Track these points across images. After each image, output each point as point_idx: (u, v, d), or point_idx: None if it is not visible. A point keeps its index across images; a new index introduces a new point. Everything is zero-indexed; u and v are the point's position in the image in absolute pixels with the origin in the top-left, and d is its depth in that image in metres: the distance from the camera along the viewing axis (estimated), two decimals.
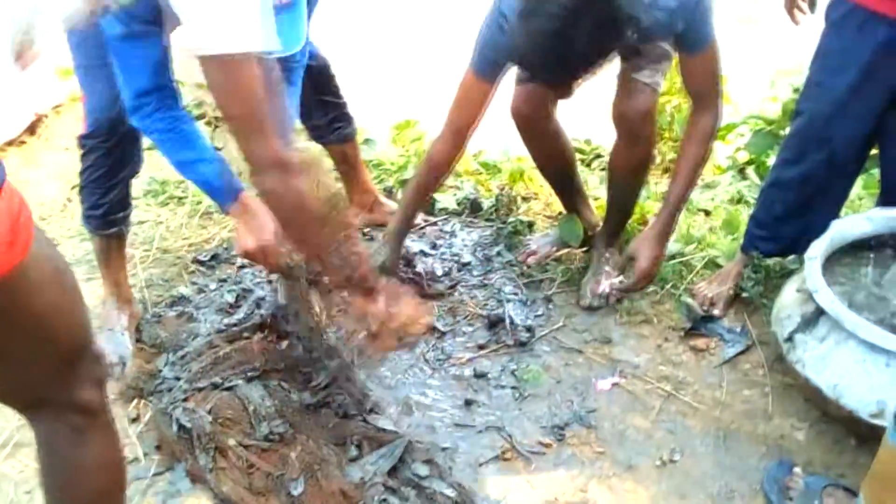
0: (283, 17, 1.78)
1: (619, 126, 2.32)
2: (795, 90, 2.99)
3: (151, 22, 1.79)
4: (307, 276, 2.14)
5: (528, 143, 2.58)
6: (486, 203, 3.00)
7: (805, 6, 2.30)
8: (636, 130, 2.29)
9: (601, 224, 2.74)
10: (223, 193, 1.96)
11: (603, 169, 3.40)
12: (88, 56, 2.06)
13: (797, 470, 1.86)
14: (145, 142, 2.26)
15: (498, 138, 3.43)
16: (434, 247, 2.75)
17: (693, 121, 2.23)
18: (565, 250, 2.68)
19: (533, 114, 2.45)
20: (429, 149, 2.35)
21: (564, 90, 1.97)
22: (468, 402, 2.14)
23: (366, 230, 2.81)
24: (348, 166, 2.81)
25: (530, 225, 2.84)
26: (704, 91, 2.18)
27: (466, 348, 2.34)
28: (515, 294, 2.54)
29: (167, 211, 2.99)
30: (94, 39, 1.98)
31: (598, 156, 3.49)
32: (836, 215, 2.31)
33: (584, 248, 2.70)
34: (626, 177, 2.43)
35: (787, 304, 2.07)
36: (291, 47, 1.96)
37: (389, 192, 3.05)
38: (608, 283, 2.48)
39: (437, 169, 2.33)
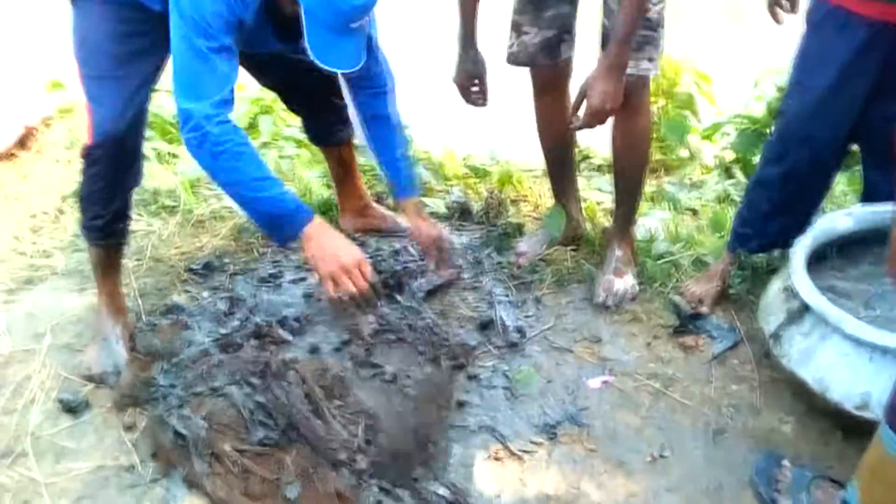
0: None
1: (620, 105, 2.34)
2: (780, 89, 3.04)
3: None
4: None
5: (538, 98, 2.59)
6: (476, 207, 3.03)
7: (787, 5, 2.34)
8: (633, 106, 2.29)
9: (584, 225, 2.77)
10: (297, 215, 2.02)
11: (592, 169, 3.45)
12: (99, 67, 2.08)
13: (785, 463, 1.88)
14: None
15: (486, 142, 3.47)
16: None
17: None
18: (555, 249, 2.71)
19: (546, 74, 2.50)
20: None
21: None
22: (460, 404, 2.16)
23: (356, 235, 2.82)
24: (343, 170, 2.83)
25: (520, 227, 2.87)
26: None
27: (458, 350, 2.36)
28: (506, 296, 2.57)
29: (159, 220, 3.00)
30: (106, 51, 2.00)
31: (587, 157, 3.52)
32: (818, 210, 2.35)
33: (573, 248, 2.73)
34: (630, 155, 2.45)
35: (773, 300, 2.10)
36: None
37: (379, 198, 3.07)
38: (623, 282, 2.50)
39: None
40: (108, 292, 2.39)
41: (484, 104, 2.52)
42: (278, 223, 2.06)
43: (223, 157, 1.95)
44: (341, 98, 2.61)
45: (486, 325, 2.43)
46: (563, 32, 2.42)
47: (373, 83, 2.36)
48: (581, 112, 2.21)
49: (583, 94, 2.18)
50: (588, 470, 1.96)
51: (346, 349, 2.27)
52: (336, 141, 2.74)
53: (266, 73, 2.60)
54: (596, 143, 3.47)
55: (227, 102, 1.95)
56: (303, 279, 2.57)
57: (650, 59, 2.27)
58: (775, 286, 2.13)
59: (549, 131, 2.64)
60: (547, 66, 2.48)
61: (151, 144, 3.23)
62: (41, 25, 3.97)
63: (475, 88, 2.48)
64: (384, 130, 2.40)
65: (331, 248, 2.03)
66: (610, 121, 2.31)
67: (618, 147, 2.46)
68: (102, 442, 2.08)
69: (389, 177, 2.45)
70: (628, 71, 2.22)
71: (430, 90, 4.09)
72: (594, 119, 2.20)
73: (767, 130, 3.07)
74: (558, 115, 2.58)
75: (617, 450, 2.01)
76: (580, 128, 2.26)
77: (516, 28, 2.44)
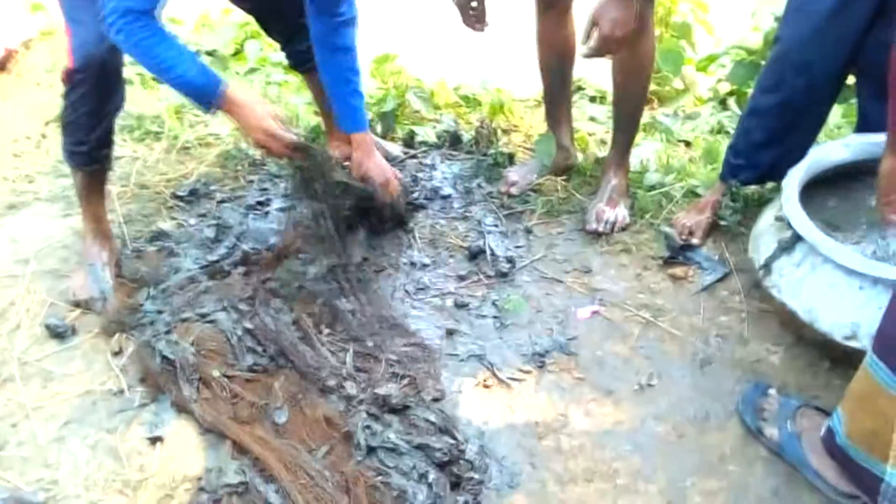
0: None
1: None
2: (777, 20, 2.97)
3: None
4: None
5: (542, 15, 2.54)
6: (466, 136, 2.98)
7: None
8: (638, 25, 2.17)
9: (576, 155, 2.73)
10: (208, 89, 1.99)
11: (585, 99, 3.40)
12: None
13: (772, 392, 1.90)
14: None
15: (478, 71, 3.41)
16: (414, 180, 2.74)
17: None
18: (546, 179, 2.68)
19: None
20: None
21: None
22: (450, 332, 2.16)
23: (345, 163, 2.78)
24: (327, 96, 2.77)
25: (510, 157, 2.83)
26: None
27: (447, 279, 2.35)
28: (496, 226, 2.55)
29: (143, 146, 2.95)
30: None
31: (580, 87, 3.47)
32: (813, 142, 2.32)
33: (564, 178, 2.70)
34: (632, 80, 2.41)
35: (765, 230, 2.08)
36: None
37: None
38: (615, 211, 2.49)
39: None
40: (92, 218, 2.36)
41: (481, 28, 2.45)
42: (195, 98, 2.02)
43: (136, 48, 1.92)
44: None
45: (475, 255, 2.41)
46: None
47: (337, 10, 2.30)
48: (592, 40, 2.11)
49: (593, 21, 2.10)
50: (576, 398, 1.97)
51: (333, 275, 2.26)
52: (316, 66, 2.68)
53: (263, 14, 2.55)
54: (591, 72, 3.41)
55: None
56: (293, 207, 2.53)
57: None
58: (767, 216, 2.12)
59: (550, 51, 2.58)
60: None
61: (136, 69, 3.15)
62: None
63: (474, 4, 2.40)
64: (342, 62, 2.35)
65: (246, 117, 2.03)
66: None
67: (619, 71, 2.40)
68: (90, 367, 2.07)
69: (339, 110, 2.41)
70: None
71: (422, 18, 4.02)
72: (605, 47, 2.11)
73: (763, 62, 3.01)
74: (560, 35, 2.53)
75: (605, 378, 2.02)
76: (590, 56, 2.17)
77: None
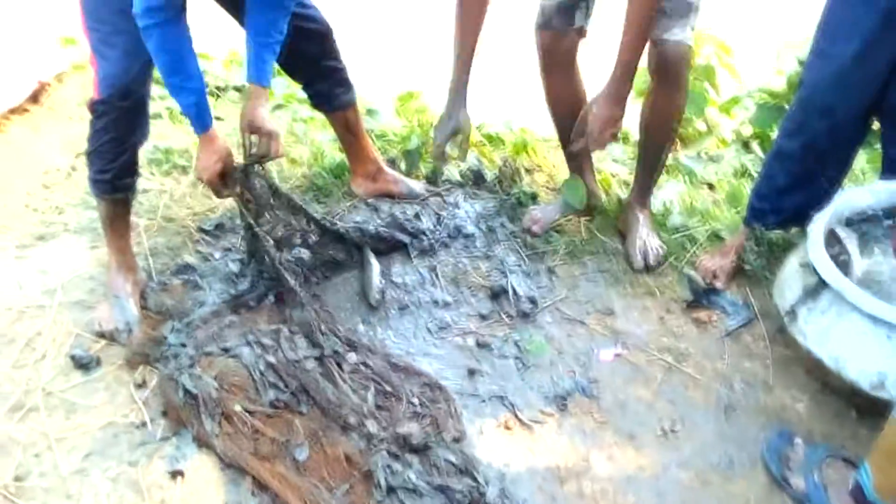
0: None
1: (657, 77, 2.34)
2: (801, 63, 2.98)
3: None
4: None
5: (547, 76, 2.57)
6: (490, 175, 3.00)
7: None
8: (673, 79, 2.32)
9: (599, 198, 2.74)
10: (195, 124, 2.17)
11: None
12: (104, 21, 2.06)
13: (798, 441, 1.88)
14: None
15: (501, 110, 3.43)
16: (438, 218, 2.75)
17: None
18: (568, 219, 2.69)
19: (554, 44, 2.47)
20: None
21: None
22: (471, 372, 2.16)
23: (369, 200, 2.80)
24: (350, 134, 2.80)
25: (533, 196, 2.84)
26: None
27: (469, 318, 2.35)
28: (518, 265, 2.55)
29: (171, 180, 2.98)
30: (110, 5, 1.98)
31: None
32: (837, 187, 2.31)
33: (587, 218, 2.70)
34: (660, 127, 2.45)
35: (790, 276, 2.08)
36: None
37: (392, 163, 3.04)
38: (655, 244, 2.51)
39: (469, 13, 2.38)
40: (117, 248, 2.39)
41: (463, 159, 2.63)
42: (189, 118, 2.18)
43: (160, 55, 2.04)
44: (339, 62, 2.58)
45: (498, 294, 2.42)
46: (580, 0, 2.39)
47: None
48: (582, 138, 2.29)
49: (585, 119, 2.24)
50: (598, 442, 1.96)
51: (356, 312, 2.27)
52: (339, 105, 2.70)
53: None
54: None
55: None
56: (316, 241, 2.55)
57: (692, 28, 2.27)
58: (792, 262, 2.11)
59: (563, 108, 2.62)
60: (561, 30, 2.43)
61: (165, 103, 3.21)
62: None
63: (449, 148, 2.49)
64: (269, 16, 2.26)
65: (204, 160, 2.21)
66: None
67: (648, 121, 2.44)
68: (113, 399, 2.08)
69: (249, 58, 2.31)
70: (676, 38, 2.21)
71: (445, 55, 4.06)
72: (595, 144, 2.29)
73: (787, 105, 3.02)
74: (567, 90, 2.57)
75: (627, 423, 2.01)
76: (580, 152, 2.36)
77: None
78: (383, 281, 2.45)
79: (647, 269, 2.48)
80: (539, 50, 2.51)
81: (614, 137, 2.29)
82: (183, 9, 2.03)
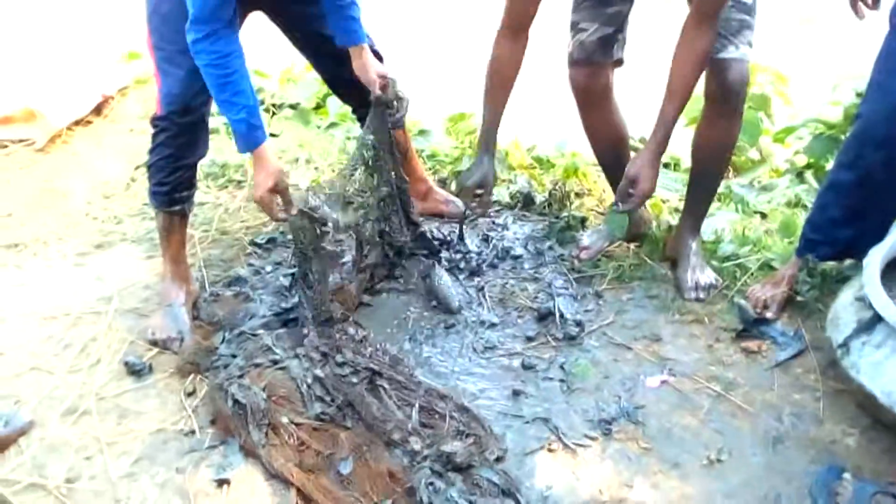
0: None
1: (714, 102, 2.34)
2: (858, 95, 2.95)
3: None
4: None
5: (585, 114, 2.58)
6: (539, 197, 3.02)
7: (869, 0, 2.28)
8: (732, 104, 2.32)
9: (648, 223, 2.73)
10: (244, 142, 2.15)
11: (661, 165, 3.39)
12: (169, 41, 2.13)
13: (847, 476, 1.84)
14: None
15: (552, 134, 3.45)
16: (486, 239, 2.77)
17: (689, 38, 2.12)
18: (617, 245, 2.68)
19: (592, 80, 2.48)
20: (492, 53, 2.36)
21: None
22: (516, 393, 2.16)
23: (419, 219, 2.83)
24: (400, 155, 2.83)
25: (583, 221, 2.84)
26: (710, 8, 2.09)
27: (515, 339, 2.36)
28: (566, 288, 2.55)
29: (226, 194, 3.06)
30: (176, 24, 2.05)
31: None
32: (893, 220, 2.28)
33: (637, 244, 2.69)
34: (715, 155, 2.44)
35: (844, 309, 2.04)
36: None
37: (443, 183, 3.07)
38: (706, 275, 2.50)
39: (501, 72, 2.35)
40: (172, 259, 2.45)
41: (483, 213, 2.67)
42: (238, 137, 2.16)
43: (210, 70, 2.06)
44: None
45: (544, 317, 2.42)
46: (618, 32, 2.41)
47: None
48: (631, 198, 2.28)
49: (630, 180, 2.24)
50: (642, 469, 1.94)
51: (402, 329, 2.29)
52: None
53: (313, 57, 2.63)
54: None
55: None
56: (365, 256, 2.58)
57: (749, 44, 2.27)
58: (846, 295, 2.08)
59: (604, 142, 2.65)
60: (601, 64, 2.46)
61: (223, 119, 3.28)
62: None
63: (479, 194, 2.45)
64: None
65: (257, 176, 2.18)
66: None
67: (702, 150, 2.43)
68: (164, 406, 2.13)
69: (336, 25, 2.38)
70: (734, 56, 2.23)
71: None
72: (641, 202, 2.31)
73: (843, 136, 2.99)
74: (606, 126, 2.60)
75: (672, 450, 1.99)
76: (626, 212, 2.37)
77: (574, 27, 2.44)
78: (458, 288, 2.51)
79: (698, 299, 2.45)
80: (574, 90, 2.52)
81: (651, 194, 2.32)
82: (233, 23, 2.06)
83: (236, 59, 2.07)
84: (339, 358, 2.15)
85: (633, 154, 2.50)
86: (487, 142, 2.41)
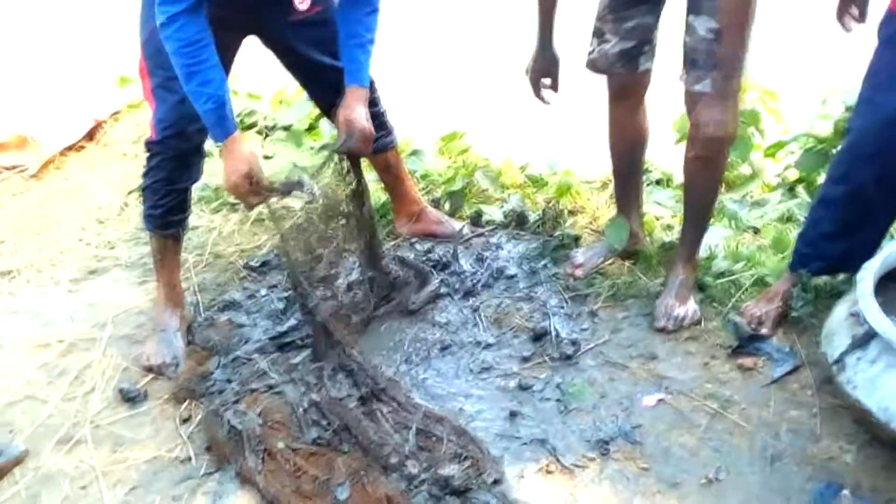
0: None
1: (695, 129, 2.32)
2: (848, 108, 2.97)
3: None
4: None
5: (614, 106, 2.57)
6: (533, 216, 3.02)
7: (856, 13, 2.30)
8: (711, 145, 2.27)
9: (643, 241, 2.73)
10: (215, 131, 2.13)
11: (650, 183, 3.40)
12: (163, 67, 2.13)
13: (845, 493, 1.83)
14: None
15: (545, 152, 3.45)
16: (480, 259, 2.77)
17: None
18: (611, 262, 2.69)
19: (626, 80, 2.49)
20: None
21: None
22: (513, 414, 2.15)
23: (413, 240, 2.83)
24: (391, 175, 2.84)
25: (576, 239, 2.85)
26: None
27: (511, 359, 2.36)
28: (561, 307, 2.55)
29: (220, 217, 3.05)
30: None
31: (647, 170, 3.48)
32: (884, 235, 2.29)
33: (631, 262, 2.70)
34: (704, 177, 2.40)
35: (838, 325, 2.05)
36: None
37: (437, 203, 3.07)
38: (684, 307, 2.44)
39: None
40: (166, 283, 2.44)
41: (550, 103, 2.52)
42: (210, 125, 2.13)
43: (178, 59, 2.04)
44: (378, 106, 2.62)
45: (540, 336, 2.42)
46: (644, 44, 2.40)
47: None
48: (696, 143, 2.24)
49: (696, 125, 2.20)
50: (640, 489, 1.94)
51: (397, 351, 2.29)
52: (379, 148, 2.73)
53: (306, 82, 2.62)
54: (656, 156, 3.43)
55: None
56: (360, 281, 2.58)
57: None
58: (841, 311, 2.08)
59: (621, 139, 2.61)
60: (624, 75, 2.46)
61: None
62: (113, 21, 4.08)
63: (547, 82, 2.46)
64: (358, 13, 2.31)
65: (228, 166, 2.15)
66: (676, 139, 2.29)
67: (692, 167, 2.41)
68: (159, 433, 2.12)
69: (345, 63, 2.36)
70: (700, 89, 2.20)
71: (490, 98, 4.11)
72: (708, 149, 2.24)
73: (833, 150, 3.00)
74: (632, 124, 2.57)
75: (670, 469, 1.98)
76: (695, 158, 2.30)
77: (598, 34, 2.43)
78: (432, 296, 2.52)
79: (664, 329, 2.42)
80: (608, 83, 2.53)
81: (727, 141, 2.24)
82: (198, 8, 2.02)
83: (204, 48, 2.04)
84: (332, 383, 2.14)
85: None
86: (544, 28, 2.39)
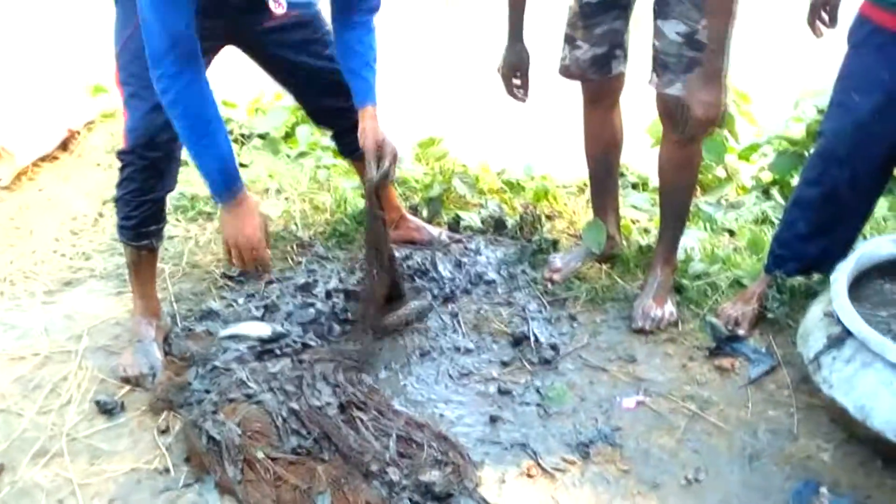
0: None
1: (668, 130, 2.36)
2: (820, 111, 3.01)
3: None
4: None
5: (589, 109, 2.60)
6: (511, 221, 3.03)
7: (827, 19, 2.33)
8: (682, 134, 2.27)
9: (620, 245, 2.75)
10: (220, 190, 2.11)
11: (627, 186, 3.43)
12: (136, 76, 2.11)
13: (823, 490, 1.85)
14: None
15: (522, 157, 3.47)
16: (459, 264, 2.77)
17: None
18: (590, 266, 2.70)
19: (602, 87, 2.51)
20: None
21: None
22: (493, 419, 2.15)
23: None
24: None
25: (554, 243, 2.86)
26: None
27: (491, 364, 2.36)
28: (540, 312, 2.56)
29: (196, 226, 3.03)
30: (145, 62, 2.03)
31: (622, 174, 3.50)
32: (858, 235, 2.32)
33: (608, 265, 2.71)
34: (680, 177, 2.43)
35: (813, 324, 2.07)
36: None
37: (415, 210, 3.07)
38: (662, 309, 2.46)
39: None
40: (142, 294, 2.42)
41: (523, 99, 2.54)
42: (211, 185, 2.12)
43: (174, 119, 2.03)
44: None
45: (519, 341, 2.42)
46: (615, 48, 2.42)
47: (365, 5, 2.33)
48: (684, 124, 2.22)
49: (683, 107, 2.19)
50: (621, 490, 1.94)
51: (378, 359, 2.28)
52: (361, 153, 2.74)
53: (292, 87, 2.61)
54: (632, 159, 3.45)
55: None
56: (338, 290, 2.58)
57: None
58: (816, 311, 2.10)
59: (597, 143, 2.64)
60: (597, 80, 2.48)
61: None
62: (86, 29, 4.05)
63: (517, 81, 2.49)
64: (357, 33, 2.32)
65: (237, 232, 2.13)
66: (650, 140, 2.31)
67: (666, 168, 2.43)
68: (137, 444, 2.09)
69: (353, 85, 2.36)
70: (671, 92, 2.22)
71: (466, 104, 4.12)
72: (698, 130, 2.21)
73: (806, 152, 3.04)
74: (607, 128, 2.59)
75: (651, 471, 1.99)
76: (685, 141, 2.29)
77: (569, 41, 2.46)
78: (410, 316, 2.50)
79: (641, 330, 2.45)
80: (582, 88, 2.55)
81: (715, 122, 2.23)
82: (198, 57, 2.01)
83: (207, 101, 2.04)
84: (312, 391, 2.13)
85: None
86: (514, 23, 2.42)
